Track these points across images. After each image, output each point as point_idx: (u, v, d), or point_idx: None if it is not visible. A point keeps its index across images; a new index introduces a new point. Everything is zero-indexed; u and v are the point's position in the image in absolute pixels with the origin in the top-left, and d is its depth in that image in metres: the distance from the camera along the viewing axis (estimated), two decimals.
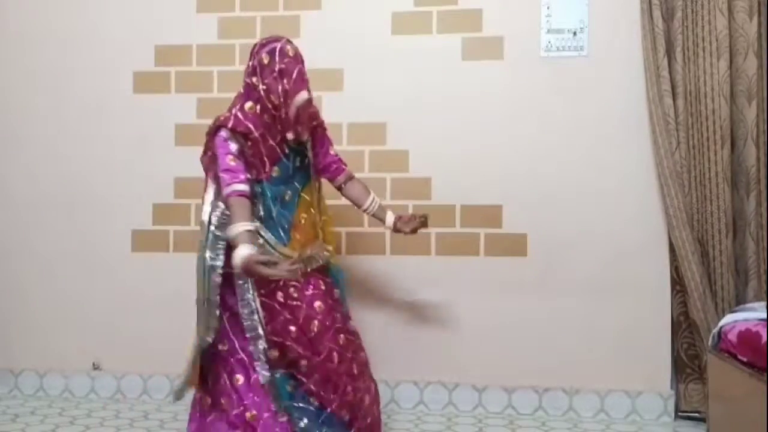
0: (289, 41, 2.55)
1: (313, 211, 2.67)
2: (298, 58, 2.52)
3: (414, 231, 2.81)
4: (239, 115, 2.50)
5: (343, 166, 2.80)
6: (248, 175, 2.48)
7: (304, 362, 2.49)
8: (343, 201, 3.34)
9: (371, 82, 3.35)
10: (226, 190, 2.44)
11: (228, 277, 2.49)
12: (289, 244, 2.56)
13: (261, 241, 2.49)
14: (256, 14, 3.43)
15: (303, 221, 2.62)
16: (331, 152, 2.78)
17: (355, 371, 2.60)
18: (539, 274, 3.27)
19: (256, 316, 2.49)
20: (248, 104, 2.52)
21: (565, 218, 3.25)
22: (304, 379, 2.50)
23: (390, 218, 2.82)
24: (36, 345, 3.57)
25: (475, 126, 3.30)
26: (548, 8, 3.27)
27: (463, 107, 3.31)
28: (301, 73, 2.49)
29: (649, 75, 3.10)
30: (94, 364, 3.52)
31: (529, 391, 3.27)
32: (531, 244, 3.28)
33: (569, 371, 3.25)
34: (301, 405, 2.50)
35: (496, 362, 3.28)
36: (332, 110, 3.35)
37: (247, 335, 2.50)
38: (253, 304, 2.49)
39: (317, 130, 2.69)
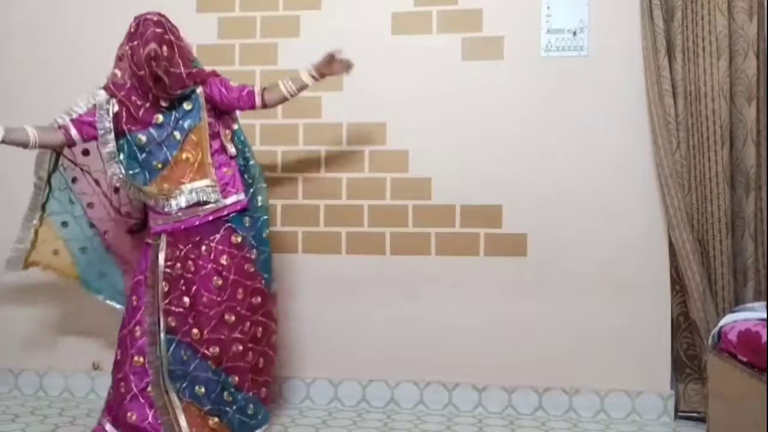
0: (159, 14, 2.86)
1: (200, 152, 2.83)
2: (159, 24, 2.82)
3: (340, 70, 2.95)
4: (109, 81, 2.88)
5: (251, 89, 2.91)
6: (84, 124, 2.86)
7: (195, 331, 2.77)
8: (344, 201, 3.35)
9: (371, 82, 3.35)
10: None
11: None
12: (155, 182, 2.82)
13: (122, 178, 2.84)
14: (256, 14, 3.43)
15: (185, 158, 2.82)
16: (232, 86, 2.90)
17: (251, 337, 2.86)
18: (539, 275, 3.27)
19: (158, 287, 2.80)
20: (116, 71, 2.88)
21: (565, 218, 3.26)
22: (198, 347, 2.77)
23: (305, 74, 2.91)
24: (36, 345, 3.57)
25: (475, 126, 3.30)
26: (548, 8, 3.27)
27: (463, 107, 3.31)
28: (155, 33, 2.77)
29: (649, 75, 3.10)
30: (94, 364, 3.52)
31: (529, 391, 3.27)
32: (531, 244, 3.28)
33: (569, 371, 3.25)
34: (197, 374, 2.77)
35: (496, 362, 3.28)
36: (332, 110, 3.36)
37: (144, 306, 2.81)
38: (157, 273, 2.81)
39: (207, 84, 2.88)
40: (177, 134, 2.82)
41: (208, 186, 2.82)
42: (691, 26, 3.11)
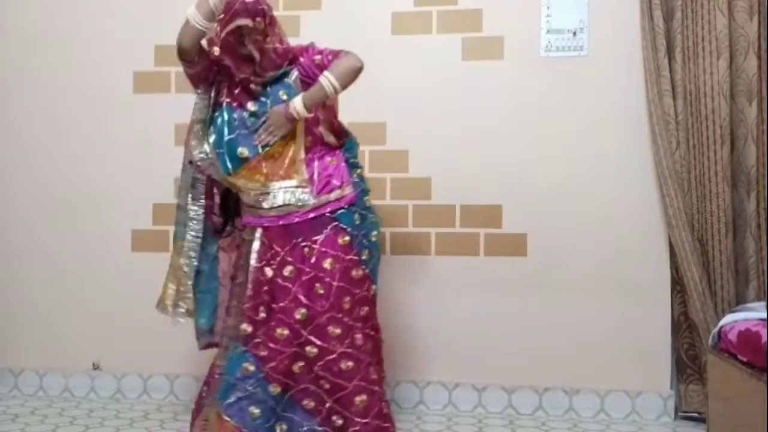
0: None
1: (293, 145, 2.51)
2: None
3: None
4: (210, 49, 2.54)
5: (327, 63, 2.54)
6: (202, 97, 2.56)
7: (263, 351, 2.43)
8: None
9: (371, 82, 3.33)
10: None
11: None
12: (237, 173, 2.50)
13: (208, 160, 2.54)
14: None
15: (275, 154, 2.50)
16: (320, 62, 2.54)
17: (346, 366, 2.45)
18: (539, 274, 3.27)
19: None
20: (215, 48, 2.50)
21: (564, 218, 3.25)
22: (261, 365, 2.43)
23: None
24: (36, 345, 3.57)
25: (475, 126, 3.30)
26: (548, 8, 3.27)
27: (463, 107, 3.31)
28: (245, 3, 2.39)
29: (648, 75, 3.10)
30: (94, 364, 3.52)
31: (529, 391, 3.27)
32: (531, 244, 3.28)
33: (569, 371, 3.25)
34: (251, 390, 2.43)
35: (496, 362, 3.28)
36: None
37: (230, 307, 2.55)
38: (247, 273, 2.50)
39: (299, 63, 2.55)
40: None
41: (297, 186, 2.50)
42: (691, 26, 3.10)
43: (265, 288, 2.47)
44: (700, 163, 3.10)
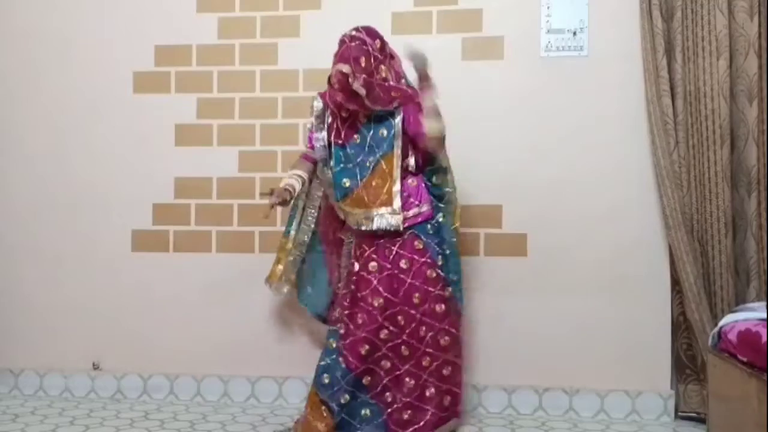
0: (356, 29, 2.88)
1: (389, 179, 2.86)
2: (355, 38, 2.84)
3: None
4: (328, 89, 2.93)
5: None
6: (319, 141, 2.95)
7: (341, 326, 2.88)
8: None
9: None
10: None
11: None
12: (343, 200, 2.91)
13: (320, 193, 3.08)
14: (256, 14, 3.43)
15: (374, 184, 2.86)
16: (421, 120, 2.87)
17: (427, 343, 2.86)
18: (539, 274, 3.27)
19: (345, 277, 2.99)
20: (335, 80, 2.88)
21: (565, 218, 3.25)
22: (340, 341, 2.86)
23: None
24: (36, 345, 3.57)
25: (475, 126, 3.30)
26: (548, 8, 3.27)
27: (463, 107, 3.30)
28: (348, 48, 2.81)
29: (648, 75, 3.10)
30: (94, 364, 3.52)
31: (529, 391, 3.27)
32: (531, 244, 3.28)
33: (569, 371, 3.25)
34: (328, 362, 2.86)
35: (496, 362, 3.28)
36: None
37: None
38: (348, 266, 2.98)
39: (405, 109, 2.89)
40: (370, 159, 2.87)
41: (390, 213, 2.86)
42: (690, 26, 3.10)
43: (353, 278, 2.90)
44: (699, 163, 3.10)
